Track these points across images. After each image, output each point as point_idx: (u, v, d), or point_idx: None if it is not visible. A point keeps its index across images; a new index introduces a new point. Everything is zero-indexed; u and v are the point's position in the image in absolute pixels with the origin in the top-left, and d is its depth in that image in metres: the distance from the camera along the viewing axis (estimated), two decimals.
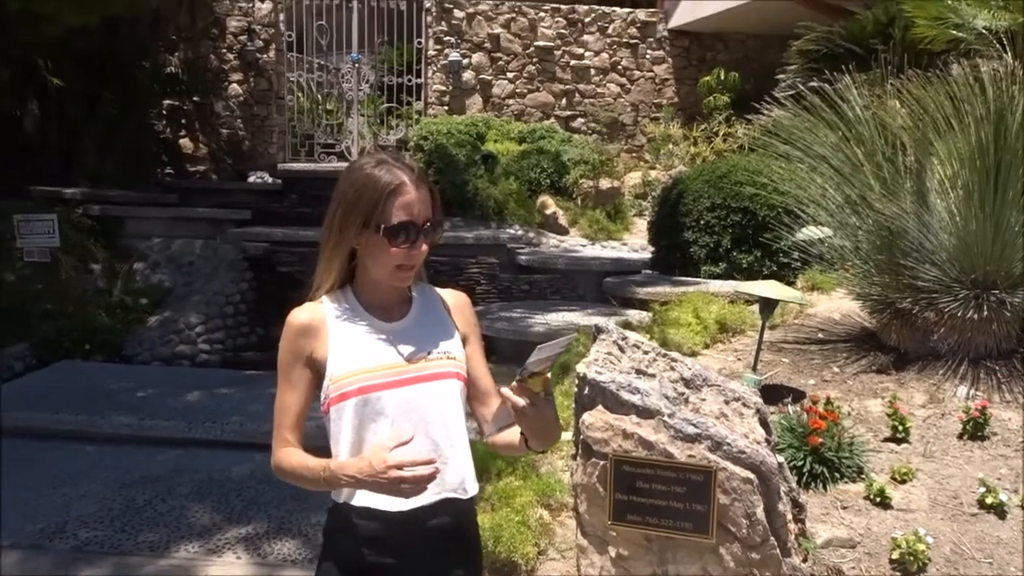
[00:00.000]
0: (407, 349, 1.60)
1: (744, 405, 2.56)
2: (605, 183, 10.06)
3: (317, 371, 1.59)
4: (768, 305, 3.91)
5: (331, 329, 1.60)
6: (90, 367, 5.89)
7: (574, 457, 2.74)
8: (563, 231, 9.56)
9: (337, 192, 1.60)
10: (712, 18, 11.04)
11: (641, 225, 9.94)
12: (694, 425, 2.41)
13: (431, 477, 1.43)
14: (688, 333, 4.99)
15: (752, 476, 2.35)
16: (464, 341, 1.71)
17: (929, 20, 6.26)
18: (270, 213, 9.24)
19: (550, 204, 9.66)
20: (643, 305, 6.28)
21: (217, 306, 7.22)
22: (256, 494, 3.89)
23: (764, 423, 2.55)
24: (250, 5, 11.03)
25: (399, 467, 1.41)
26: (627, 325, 5.27)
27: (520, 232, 8.89)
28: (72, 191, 8.37)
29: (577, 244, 9.24)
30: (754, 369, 4.00)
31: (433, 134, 10.35)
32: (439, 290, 1.77)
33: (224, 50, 11.09)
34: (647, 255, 8.21)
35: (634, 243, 9.40)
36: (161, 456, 4.39)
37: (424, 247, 1.57)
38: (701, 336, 5.03)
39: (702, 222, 6.95)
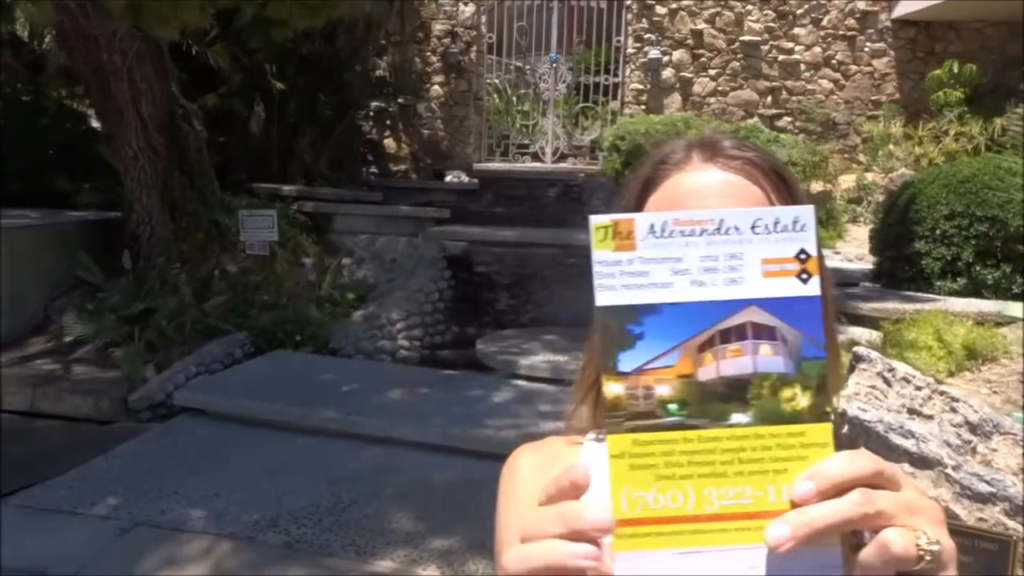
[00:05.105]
0: None
1: None
2: (816, 186, 9.34)
3: None
4: None
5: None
6: (300, 358, 6.13)
7: None
8: None
9: None
10: (945, 5, 9.92)
11: (855, 232, 9.12)
12: (987, 482, 1.99)
13: None
14: (930, 358, 4.40)
15: None
16: None
17: None
18: (467, 212, 9.33)
19: None
20: (870, 323, 5.65)
21: (417, 303, 7.34)
22: (458, 504, 3.78)
23: None
24: (454, 8, 11.25)
25: None
26: (853, 345, 4.73)
27: None
28: (289, 188, 8.86)
29: None
30: None
31: (630, 133, 10.05)
32: None
33: (428, 53, 11.38)
34: (866, 266, 7.48)
35: (848, 252, 8.62)
36: (365, 453, 4.43)
37: None
38: (945, 363, 4.43)
39: (938, 231, 6.19)
